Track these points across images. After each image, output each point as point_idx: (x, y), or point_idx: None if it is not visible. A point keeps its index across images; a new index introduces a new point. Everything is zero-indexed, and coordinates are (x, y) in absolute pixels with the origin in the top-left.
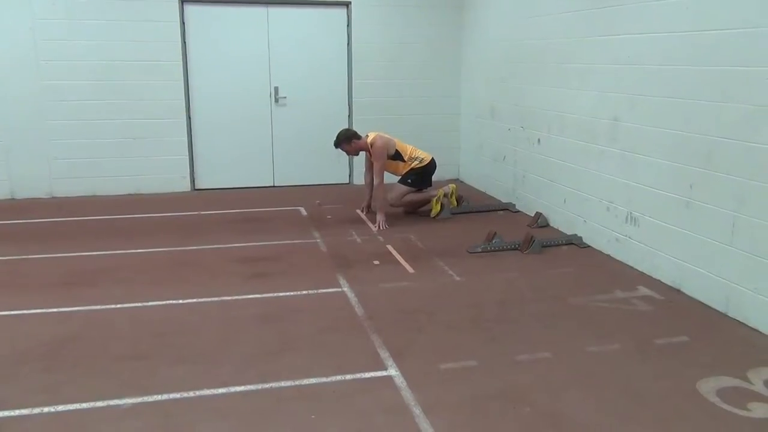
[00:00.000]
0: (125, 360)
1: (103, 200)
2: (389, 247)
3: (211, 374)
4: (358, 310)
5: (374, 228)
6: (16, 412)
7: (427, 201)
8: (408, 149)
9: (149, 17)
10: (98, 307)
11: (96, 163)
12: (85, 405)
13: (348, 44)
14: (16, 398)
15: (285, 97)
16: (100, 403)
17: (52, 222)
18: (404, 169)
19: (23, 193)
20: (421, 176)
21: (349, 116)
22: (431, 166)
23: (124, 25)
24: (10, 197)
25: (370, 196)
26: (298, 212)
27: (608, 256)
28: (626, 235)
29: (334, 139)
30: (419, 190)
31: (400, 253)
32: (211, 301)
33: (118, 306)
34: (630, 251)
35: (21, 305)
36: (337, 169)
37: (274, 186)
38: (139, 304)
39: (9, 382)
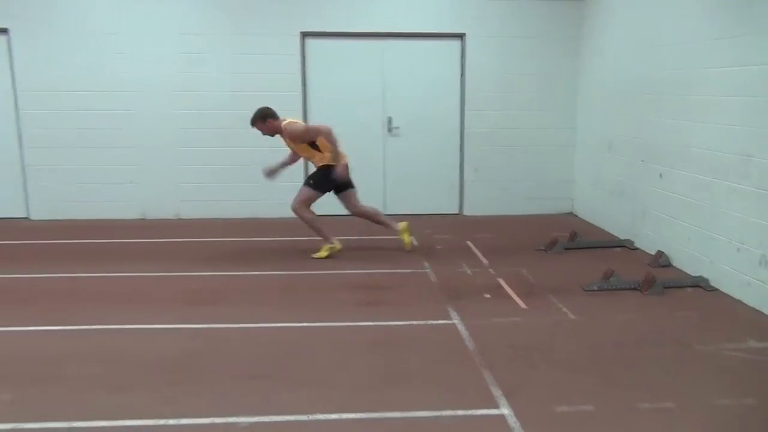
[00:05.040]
0: (243, 379)
1: (224, 223)
2: (500, 280)
3: (324, 399)
4: (469, 343)
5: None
6: (140, 422)
7: (381, 223)
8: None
9: (272, 51)
10: (219, 325)
11: (219, 187)
12: (204, 420)
13: (461, 75)
14: (141, 408)
15: (398, 128)
16: (218, 420)
17: (178, 242)
18: (320, 161)
19: (153, 213)
20: (325, 177)
21: (460, 147)
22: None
23: (248, 59)
24: (141, 217)
25: (283, 164)
26: None
27: (739, 301)
28: (760, 280)
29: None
30: (320, 192)
31: (511, 288)
32: (325, 326)
33: (237, 325)
34: (764, 297)
35: (150, 320)
36: (448, 199)
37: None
38: (256, 325)
39: (137, 392)
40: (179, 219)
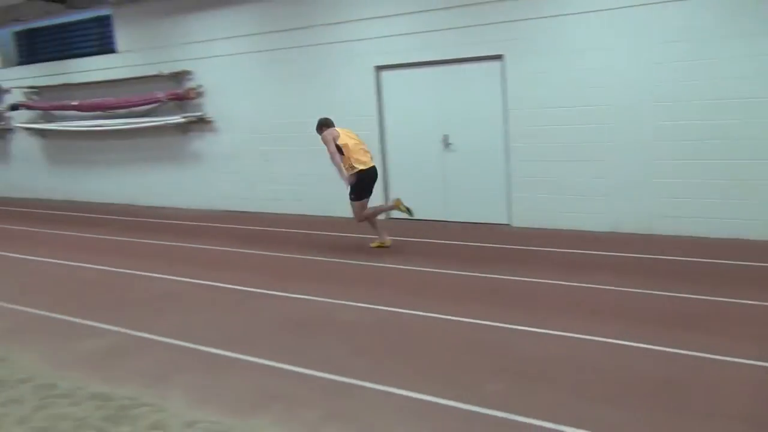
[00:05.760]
0: (726, 420)
1: (701, 242)
2: None
3: None
4: None
5: None
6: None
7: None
8: (353, 150)
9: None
10: (700, 354)
11: (697, 203)
12: None
13: None
14: (620, 426)
15: None
16: None
17: (644, 258)
18: (348, 169)
19: (625, 227)
20: (358, 184)
21: None
22: (367, 174)
23: (735, 63)
24: (611, 230)
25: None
26: None
27: None
28: None
29: None
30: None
31: None
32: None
33: (710, 356)
34: None
35: (628, 337)
36: None
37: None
38: (735, 360)
39: (616, 408)
40: (650, 234)
